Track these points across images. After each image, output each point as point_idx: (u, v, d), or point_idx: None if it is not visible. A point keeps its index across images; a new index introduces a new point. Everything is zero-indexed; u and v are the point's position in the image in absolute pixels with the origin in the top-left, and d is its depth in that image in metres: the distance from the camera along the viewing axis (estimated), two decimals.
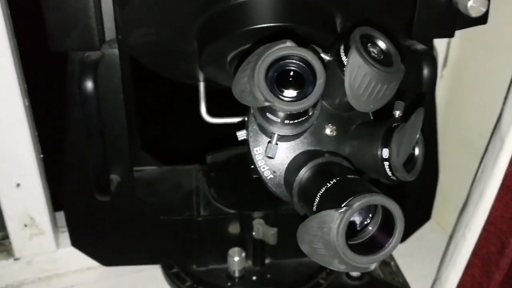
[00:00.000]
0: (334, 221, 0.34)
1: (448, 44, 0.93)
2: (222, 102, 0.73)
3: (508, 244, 0.62)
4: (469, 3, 0.59)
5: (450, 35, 0.65)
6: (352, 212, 0.34)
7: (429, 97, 0.66)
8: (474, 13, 0.59)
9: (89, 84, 0.60)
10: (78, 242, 0.79)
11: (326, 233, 0.34)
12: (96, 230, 0.78)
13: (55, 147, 0.74)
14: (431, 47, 0.67)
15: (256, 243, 0.79)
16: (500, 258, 0.63)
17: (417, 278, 0.84)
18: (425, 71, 0.63)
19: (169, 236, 0.79)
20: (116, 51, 0.63)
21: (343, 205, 0.34)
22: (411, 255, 0.89)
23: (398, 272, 0.84)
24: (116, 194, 0.70)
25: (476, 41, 0.86)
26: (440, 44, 0.90)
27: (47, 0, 0.57)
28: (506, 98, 0.67)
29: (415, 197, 0.78)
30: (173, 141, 1.03)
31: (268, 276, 0.80)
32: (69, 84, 0.65)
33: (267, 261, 0.81)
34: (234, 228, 0.79)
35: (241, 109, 0.64)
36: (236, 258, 0.77)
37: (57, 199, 0.85)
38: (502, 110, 0.67)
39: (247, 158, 0.49)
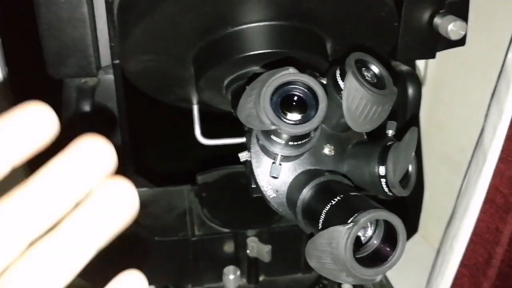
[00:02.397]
0: (342, 236, 0.36)
1: (426, 63, 0.97)
2: (215, 123, 0.75)
3: (494, 254, 0.65)
4: (450, 27, 0.62)
5: (431, 56, 0.68)
6: (359, 227, 0.36)
7: (414, 114, 0.69)
8: (454, 36, 0.63)
9: (87, 109, 0.61)
10: None
11: (335, 248, 0.36)
12: None
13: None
14: (414, 68, 0.70)
15: (251, 261, 0.80)
16: (487, 267, 0.65)
17: None
18: (410, 91, 0.66)
19: (164, 257, 0.79)
20: (111, 76, 0.65)
21: (349, 221, 0.37)
22: (399, 268, 0.91)
23: (388, 285, 0.87)
24: None
25: (452, 60, 0.90)
26: (418, 62, 0.94)
27: (45, 28, 0.58)
28: (486, 115, 0.70)
29: (402, 210, 0.81)
30: (163, 162, 1.04)
31: None
32: (65, 109, 0.66)
33: (261, 278, 0.83)
34: (228, 247, 0.80)
35: (235, 131, 0.67)
36: (231, 276, 0.78)
37: None
38: (483, 126, 0.70)
39: (247, 178, 0.51)
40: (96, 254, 0.72)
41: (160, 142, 1.02)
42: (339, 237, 0.36)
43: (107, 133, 0.66)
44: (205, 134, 0.74)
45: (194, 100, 0.71)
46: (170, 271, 0.81)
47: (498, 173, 0.66)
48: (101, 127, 0.66)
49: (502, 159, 0.65)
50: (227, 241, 0.80)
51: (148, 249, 0.78)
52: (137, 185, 0.86)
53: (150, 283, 0.85)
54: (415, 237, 0.93)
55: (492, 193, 0.66)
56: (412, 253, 1.01)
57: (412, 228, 0.86)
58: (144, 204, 0.85)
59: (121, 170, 0.68)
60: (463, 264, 0.69)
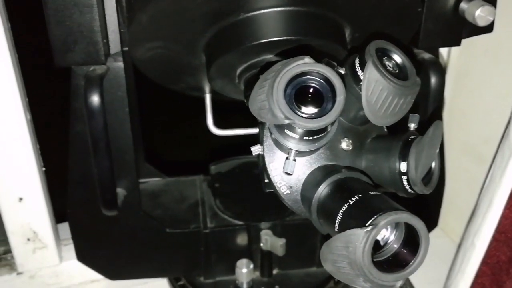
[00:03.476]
0: (360, 240, 0.33)
1: (449, 50, 0.93)
2: (228, 113, 0.73)
3: None
4: (477, 12, 0.59)
5: (456, 44, 0.65)
6: (378, 231, 0.33)
7: (437, 104, 0.66)
8: (482, 22, 0.59)
9: (96, 99, 0.60)
10: (84, 256, 0.78)
11: (352, 253, 0.34)
12: (101, 244, 0.77)
13: (56, 160, 0.74)
14: (437, 56, 0.67)
15: (264, 254, 0.78)
16: (510, 267, 0.62)
17: (425, 286, 0.84)
18: (433, 80, 0.63)
19: (176, 249, 0.78)
20: (121, 64, 0.63)
21: (368, 224, 0.34)
22: None
23: (406, 280, 0.84)
24: (122, 208, 0.69)
25: (477, 47, 0.86)
26: (441, 50, 0.90)
27: (51, 14, 0.56)
28: None
29: (422, 204, 0.78)
30: (176, 151, 1.02)
31: (276, 287, 0.79)
32: (73, 98, 0.64)
33: (274, 272, 0.81)
34: (241, 240, 0.78)
35: (248, 121, 0.64)
36: (244, 270, 0.76)
37: (60, 210, 0.84)
38: (510, 118, 0.67)
39: (259, 172, 0.49)
40: (108, 245, 0.71)
41: (172, 131, 1.01)
42: (357, 240, 0.33)
43: (117, 123, 0.64)
44: (217, 124, 0.71)
45: (206, 89, 0.68)
46: (182, 263, 0.79)
47: None
48: (110, 116, 0.64)
49: None
50: (240, 234, 0.78)
51: (159, 241, 0.77)
52: (148, 174, 0.85)
53: (161, 275, 0.85)
54: (435, 230, 0.90)
55: None
56: (431, 247, 0.97)
57: (432, 222, 0.83)
58: (155, 194, 0.84)
59: (134, 159, 0.67)
60: (485, 262, 0.66)
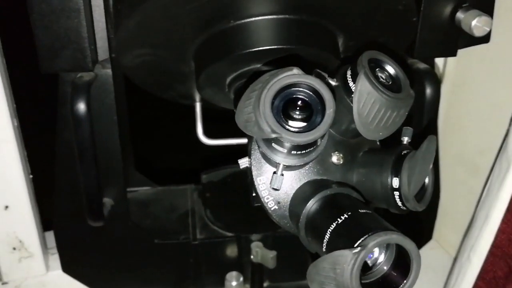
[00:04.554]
0: (348, 262, 0.32)
1: (445, 60, 0.92)
2: (219, 122, 0.71)
3: None
4: (473, 23, 0.57)
5: (452, 54, 0.63)
6: (367, 252, 0.32)
7: (432, 116, 0.64)
8: (479, 32, 0.58)
9: (82, 107, 0.58)
10: (70, 267, 0.77)
11: (339, 275, 0.32)
12: (88, 255, 0.75)
13: (45, 167, 0.72)
14: (432, 66, 0.66)
15: (255, 266, 0.77)
16: (507, 283, 0.61)
17: None
18: (428, 91, 0.62)
19: (165, 260, 0.76)
20: (109, 71, 0.61)
21: (356, 244, 0.32)
22: None
23: None
24: (109, 218, 0.68)
25: (473, 57, 0.85)
26: (437, 60, 0.89)
27: (37, 19, 0.55)
28: None
29: (415, 217, 0.77)
30: (167, 160, 1.01)
31: None
32: (60, 105, 0.63)
33: (265, 284, 0.80)
34: (231, 252, 0.77)
35: (240, 130, 0.63)
36: (234, 283, 0.75)
37: (47, 218, 0.82)
38: (508, 130, 0.65)
39: (248, 184, 0.47)
40: (95, 256, 0.69)
41: (164, 139, 0.99)
42: (344, 262, 0.32)
43: (105, 130, 0.63)
44: (208, 133, 0.70)
45: (197, 97, 0.67)
46: (170, 275, 0.78)
47: None
48: (98, 124, 0.62)
49: None
50: (230, 246, 0.77)
51: (148, 252, 0.75)
52: (138, 183, 0.84)
53: (150, 287, 0.83)
54: (429, 242, 0.88)
55: None
56: (426, 259, 0.96)
57: (426, 235, 0.82)
58: (144, 203, 0.82)
59: (122, 168, 0.65)
60: (481, 277, 0.65)
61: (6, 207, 0.78)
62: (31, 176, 0.80)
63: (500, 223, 0.62)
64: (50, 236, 0.85)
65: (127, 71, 0.62)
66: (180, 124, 0.81)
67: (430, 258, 0.93)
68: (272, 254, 0.75)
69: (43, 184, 0.79)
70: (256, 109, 0.36)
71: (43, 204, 0.82)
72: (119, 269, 0.76)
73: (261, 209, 0.45)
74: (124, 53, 0.56)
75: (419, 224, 0.80)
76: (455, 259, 0.77)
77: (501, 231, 0.62)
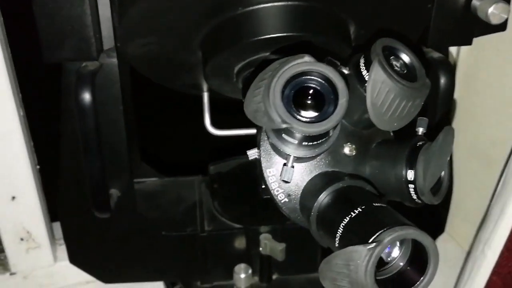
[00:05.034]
0: (363, 258, 0.30)
1: (459, 49, 0.90)
2: (227, 112, 0.70)
3: None
4: (490, 10, 0.56)
5: (468, 42, 0.62)
6: (382, 248, 0.30)
7: (446, 107, 0.63)
8: (495, 20, 0.56)
9: (87, 97, 0.57)
10: (76, 258, 0.76)
11: (353, 271, 0.31)
12: (95, 246, 0.75)
13: (52, 157, 0.71)
14: (447, 55, 0.64)
15: (263, 259, 0.76)
16: None
17: None
18: (442, 81, 0.60)
19: (172, 252, 0.76)
20: (115, 60, 0.60)
21: (371, 240, 0.31)
22: None
23: None
24: (115, 210, 0.67)
25: (488, 46, 0.83)
26: (450, 48, 0.87)
27: (40, 7, 0.53)
28: None
29: (428, 210, 0.75)
30: (174, 150, 1.00)
31: None
32: (64, 95, 0.62)
33: (274, 277, 0.79)
34: (240, 244, 0.76)
35: (248, 121, 0.62)
36: (242, 275, 0.74)
37: (54, 209, 0.82)
38: None
39: (257, 176, 0.46)
40: (102, 247, 0.69)
41: (171, 129, 0.98)
42: (359, 258, 0.30)
43: (110, 121, 0.62)
44: (216, 123, 0.68)
45: (204, 87, 0.65)
46: (178, 267, 0.77)
47: None
48: (103, 115, 0.61)
49: None
50: (238, 238, 0.76)
51: (155, 244, 0.74)
52: (145, 174, 0.83)
53: (157, 279, 0.82)
54: (441, 235, 0.87)
55: None
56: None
57: (438, 228, 0.81)
58: (151, 195, 0.81)
59: (128, 159, 0.64)
60: (496, 272, 0.64)
61: (13, 197, 0.78)
62: (38, 166, 0.80)
63: None
64: (58, 226, 0.85)
65: (132, 61, 0.60)
66: (188, 114, 0.80)
67: (442, 251, 0.91)
68: (281, 246, 0.74)
69: (51, 174, 0.79)
70: (266, 99, 0.34)
71: (51, 194, 0.82)
72: (126, 261, 0.76)
73: (271, 201, 0.44)
74: (129, 42, 0.55)
75: (432, 216, 0.78)
76: (468, 253, 0.76)
77: None
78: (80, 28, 0.55)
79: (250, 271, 0.75)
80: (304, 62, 0.35)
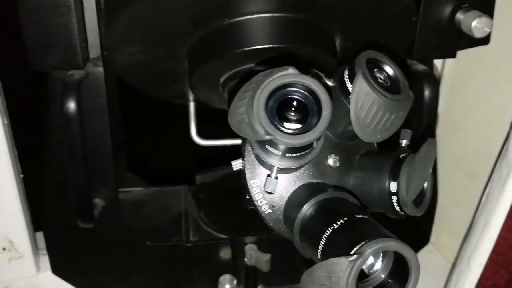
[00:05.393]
0: (344, 270, 0.30)
1: (444, 61, 0.91)
2: (214, 122, 0.70)
3: None
4: (473, 24, 0.56)
5: (452, 55, 0.62)
6: (363, 260, 0.30)
7: (431, 119, 0.63)
8: (478, 33, 0.57)
9: (72, 106, 0.57)
10: (59, 269, 0.75)
11: (335, 283, 0.31)
12: (78, 256, 0.74)
13: (35, 166, 0.71)
14: (431, 68, 0.64)
15: (249, 270, 0.76)
16: None
17: None
18: (427, 93, 0.61)
19: (157, 263, 0.75)
20: (101, 69, 0.60)
21: (353, 252, 0.31)
22: None
23: None
24: (100, 219, 0.66)
25: (473, 59, 0.84)
26: (435, 61, 0.88)
27: (26, 14, 0.53)
28: None
29: (413, 221, 0.75)
30: (161, 160, 0.99)
31: None
32: (49, 104, 0.61)
33: None
34: (225, 254, 0.76)
35: (234, 131, 0.62)
36: (228, 286, 0.74)
37: (38, 218, 0.81)
38: (508, 134, 0.64)
39: (242, 186, 0.46)
40: (85, 258, 0.68)
41: (156, 139, 0.98)
42: (340, 270, 0.30)
43: (96, 130, 0.61)
44: (202, 133, 0.68)
45: (191, 97, 0.65)
46: (163, 277, 0.76)
47: None
48: (89, 123, 0.61)
49: None
50: (223, 248, 0.75)
51: (140, 254, 0.74)
52: (131, 184, 0.82)
53: None
54: (426, 246, 0.87)
55: None
56: (422, 263, 0.95)
57: (423, 240, 0.81)
58: (136, 205, 0.81)
59: (113, 169, 0.64)
60: (481, 284, 0.64)
61: None
62: (21, 175, 0.79)
63: (501, 230, 0.61)
64: (41, 236, 0.83)
65: (119, 70, 0.60)
66: (174, 124, 0.80)
67: (427, 262, 0.92)
68: (266, 257, 0.73)
69: (34, 183, 0.78)
70: (250, 110, 0.34)
71: (34, 204, 0.80)
72: (111, 272, 0.75)
73: (256, 212, 0.44)
74: (116, 51, 0.55)
75: (416, 228, 0.78)
76: (453, 264, 0.76)
77: (502, 238, 0.61)
78: (66, 36, 0.55)
79: (235, 282, 0.74)
80: (288, 74, 0.35)
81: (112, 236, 0.71)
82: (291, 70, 0.35)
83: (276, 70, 0.35)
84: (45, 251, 0.83)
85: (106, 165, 0.66)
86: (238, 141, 0.67)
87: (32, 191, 0.80)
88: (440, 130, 0.92)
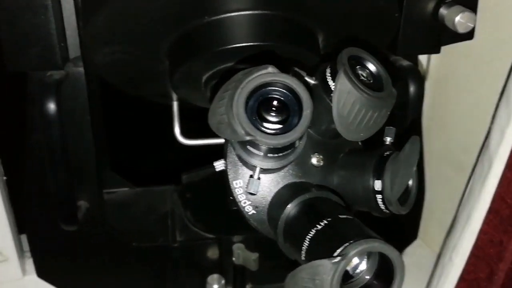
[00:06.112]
0: (328, 272, 0.30)
1: (429, 57, 0.91)
2: (198, 121, 0.69)
3: (497, 271, 0.59)
4: (457, 19, 0.56)
5: (436, 51, 0.62)
6: (347, 262, 0.30)
7: (416, 115, 0.63)
8: (462, 29, 0.57)
9: (51, 106, 0.55)
10: (44, 272, 0.74)
11: (319, 286, 0.30)
12: (63, 259, 0.73)
13: (18, 168, 0.69)
14: (416, 63, 0.64)
15: (236, 269, 0.75)
16: (488, 284, 0.60)
17: None
18: (412, 89, 0.60)
19: (143, 264, 0.74)
20: (81, 69, 0.59)
21: (336, 253, 0.30)
22: None
23: None
24: (84, 221, 0.65)
25: (457, 54, 0.84)
26: (420, 56, 0.88)
27: (2, 14, 0.52)
28: (494, 117, 0.64)
29: (400, 217, 0.75)
30: (146, 160, 0.98)
31: None
32: (28, 105, 0.60)
33: (247, 287, 0.78)
34: (212, 254, 0.75)
35: None
36: (216, 286, 0.73)
37: (22, 221, 0.80)
38: (490, 129, 0.64)
39: (226, 187, 0.45)
40: (71, 260, 0.66)
41: (141, 138, 0.96)
42: (324, 273, 0.30)
43: (77, 131, 0.60)
44: (186, 132, 0.67)
45: (173, 96, 0.64)
46: (149, 279, 0.76)
47: (504, 181, 0.60)
48: (70, 124, 0.60)
49: (510, 166, 0.59)
50: (211, 248, 0.75)
51: (125, 256, 0.73)
52: (115, 184, 0.81)
53: None
54: (415, 241, 0.87)
55: (497, 203, 0.60)
56: (410, 257, 0.95)
57: (411, 235, 0.81)
58: (121, 205, 0.80)
59: (96, 170, 0.63)
60: (463, 278, 0.64)
61: None
62: (4, 177, 0.77)
63: (481, 224, 0.61)
64: (26, 239, 0.82)
65: (99, 69, 0.59)
66: (159, 123, 0.79)
67: (415, 257, 0.92)
68: (254, 256, 0.73)
69: (18, 185, 0.76)
70: (229, 110, 0.34)
71: (18, 206, 0.79)
72: (96, 274, 0.74)
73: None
74: (95, 51, 0.54)
75: (404, 223, 0.78)
76: (438, 256, 0.76)
77: (482, 232, 0.61)
78: (44, 36, 0.54)
79: (223, 282, 0.73)
80: (268, 73, 0.34)
81: (97, 238, 0.70)
82: (270, 69, 0.34)
83: (255, 69, 0.34)
84: (30, 254, 0.82)
85: (89, 166, 0.65)
86: (222, 141, 0.66)
87: (15, 193, 0.78)
88: (426, 125, 0.92)
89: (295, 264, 0.36)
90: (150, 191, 0.83)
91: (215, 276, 0.74)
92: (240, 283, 0.76)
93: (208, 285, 0.74)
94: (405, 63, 0.61)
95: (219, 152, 0.48)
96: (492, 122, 0.65)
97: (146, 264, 0.74)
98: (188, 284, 0.76)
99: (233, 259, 0.75)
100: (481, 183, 0.61)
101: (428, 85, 0.92)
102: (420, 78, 0.61)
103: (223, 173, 0.43)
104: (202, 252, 0.75)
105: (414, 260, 0.91)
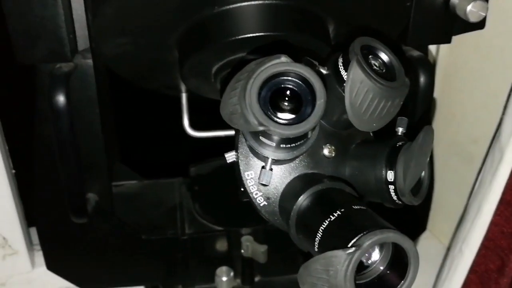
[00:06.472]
0: (342, 263, 0.30)
1: (438, 47, 0.90)
2: (207, 113, 0.69)
3: (508, 262, 0.59)
4: (469, 8, 0.55)
5: (447, 41, 0.61)
6: (362, 252, 0.30)
7: (426, 106, 0.62)
8: (474, 18, 0.56)
9: (61, 99, 0.55)
10: (54, 264, 0.74)
11: (333, 277, 0.30)
12: (72, 251, 0.73)
13: (27, 161, 0.70)
14: (426, 53, 0.64)
15: (245, 261, 0.75)
16: (499, 276, 0.60)
17: None
18: (422, 80, 0.60)
19: (152, 256, 0.74)
20: (90, 61, 0.58)
21: (351, 244, 0.30)
22: None
23: None
24: (93, 214, 0.66)
25: (468, 44, 0.83)
26: (430, 46, 0.87)
27: (10, 7, 0.52)
28: (505, 107, 0.64)
29: (409, 208, 0.75)
30: (154, 152, 0.98)
31: None
32: (38, 98, 0.60)
33: (256, 279, 0.78)
34: (221, 246, 0.75)
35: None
36: (224, 278, 0.73)
37: (31, 214, 0.80)
38: (501, 119, 0.64)
39: (236, 178, 0.45)
40: (80, 253, 0.67)
41: (149, 131, 0.97)
42: (338, 264, 0.30)
43: (87, 123, 0.60)
44: (195, 124, 0.67)
45: (182, 88, 0.64)
46: (159, 271, 0.76)
47: None
48: (79, 117, 0.60)
49: None
50: (219, 240, 0.75)
51: (135, 248, 0.73)
52: (124, 177, 0.81)
53: (138, 283, 0.81)
54: (424, 233, 0.87)
55: (509, 194, 0.60)
56: (419, 249, 0.95)
57: (420, 227, 0.81)
58: (130, 198, 0.80)
59: (106, 162, 0.63)
60: (473, 270, 0.64)
61: None
62: (13, 171, 0.78)
63: (492, 215, 0.61)
64: (35, 232, 0.83)
65: (108, 61, 0.59)
66: (168, 115, 0.79)
67: (424, 249, 0.92)
68: (263, 248, 0.73)
69: (27, 179, 0.77)
70: (242, 100, 0.33)
71: (27, 199, 0.80)
72: (105, 266, 0.74)
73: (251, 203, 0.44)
74: (104, 42, 0.54)
75: (413, 215, 0.78)
76: (447, 250, 0.76)
77: (493, 224, 0.61)
78: (52, 28, 0.53)
79: (232, 274, 0.73)
80: (281, 63, 0.34)
81: (106, 230, 0.71)
82: (283, 59, 0.34)
83: (268, 59, 0.34)
84: (39, 247, 0.83)
85: (98, 158, 0.65)
86: (231, 132, 0.66)
87: (25, 186, 0.79)
88: (435, 116, 0.91)
89: (305, 255, 0.36)
90: (158, 184, 0.83)
91: (224, 268, 0.74)
92: (248, 275, 0.76)
93: (217, 277, 0.74)
94: (416, 53, 0.61)
95: (228, 144, 0.48)
96: (503, 113, 0.64)
97: (155, 257, 0.75)
98: (197, 276, 0.76)
99: (242, 251, 0.75)
100: (492, 174, 0.61)
101: (436, 76, 0.91)
102: (430, 69, 0.60)
103: (234, 164, 0.43)
104: (210, 244, 0.75)
105: (422, 252, 0.91)
